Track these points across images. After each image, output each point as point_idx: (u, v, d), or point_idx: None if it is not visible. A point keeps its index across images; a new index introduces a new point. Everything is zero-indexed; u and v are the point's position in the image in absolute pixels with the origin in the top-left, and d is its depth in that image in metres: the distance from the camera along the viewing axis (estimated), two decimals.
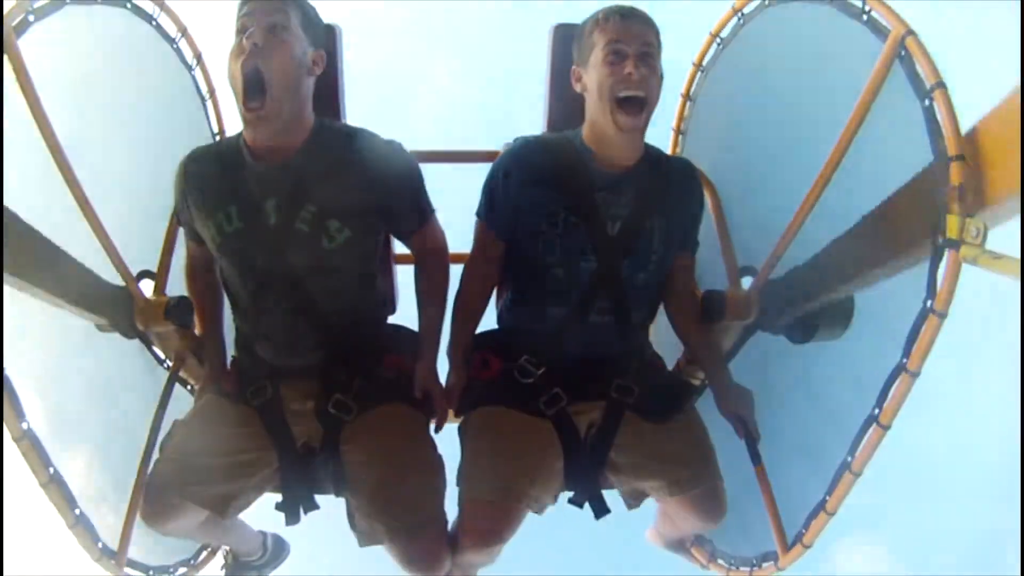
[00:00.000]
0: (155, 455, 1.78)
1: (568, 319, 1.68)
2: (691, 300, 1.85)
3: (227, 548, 2.15)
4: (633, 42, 1.55)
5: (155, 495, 1.56)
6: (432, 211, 1.75)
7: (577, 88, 1.66)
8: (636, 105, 1.56)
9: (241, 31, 1.50)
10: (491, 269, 1.79)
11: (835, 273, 1.62)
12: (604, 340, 1.71)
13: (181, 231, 1.86)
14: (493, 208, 1.70)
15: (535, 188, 1.64)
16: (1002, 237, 1.22)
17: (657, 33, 1.60)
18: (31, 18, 1.42)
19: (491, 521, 1.54)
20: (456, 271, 1.84)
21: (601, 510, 1.66)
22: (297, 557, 2.31)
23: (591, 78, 1.60)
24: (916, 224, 1.32)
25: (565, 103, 1.92)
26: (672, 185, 1.69)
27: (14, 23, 1.35)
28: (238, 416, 1.66)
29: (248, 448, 1.64)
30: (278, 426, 1.66)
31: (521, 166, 1.66)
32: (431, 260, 1.78)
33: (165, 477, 1.56)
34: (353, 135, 1.63)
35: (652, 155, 1.71)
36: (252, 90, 1.47)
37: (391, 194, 1.63)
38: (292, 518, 1.67)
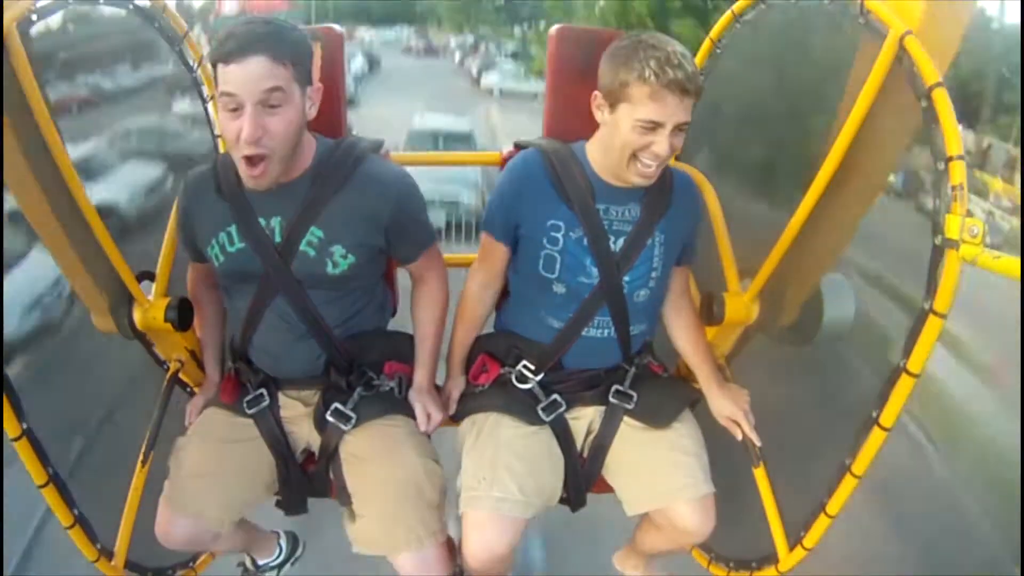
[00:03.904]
0: (152, 457, 1.79)
1: (566, 332, 1.68)
2: (684, 306, 1.84)
3: (244, 555, 2.16)
4: (671, 119, 1.44)
5: (173, 523, 1.57)
6: (432, 237, 1.74)
7: (596, 115, 1.57)
8: (655, 168, 1.52)
9: (231, 107, 1.39)
10: (496, 280, 1.78)
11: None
12: (603, 352, 1.71)
13: None
14: (497, 222, 1.69)
15: (538, 200, 1.63)
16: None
17: (699, 96, 1.47)
18: (33, 18, 1.42)
19: (491, 532, 1.53)
20: (457, 275, 1.84)
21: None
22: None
23: (615, 128, 1.51)
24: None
25: (565, 106, 1.92)
26: (675, 200, 1.68)
27: (17, 22, 1.36)
28: (237, 428, 1.67)
29: (250, 460, 1.65)
30: (275, 435, 1.67)
31: (526, 177, 1.65)
32: (429, 286, 1.78)
33: (178, 503, 1.57)
34: (360, 159, 1.61)
35: None
36: (256, 164, 1.45)
37: (395, 224, 1.62)
38: (292, 515, 1.70)
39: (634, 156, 1.51)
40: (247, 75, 1.35)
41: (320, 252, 1.57)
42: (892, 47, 1.36)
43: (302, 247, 1.56)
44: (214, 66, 1.39)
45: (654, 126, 1.46)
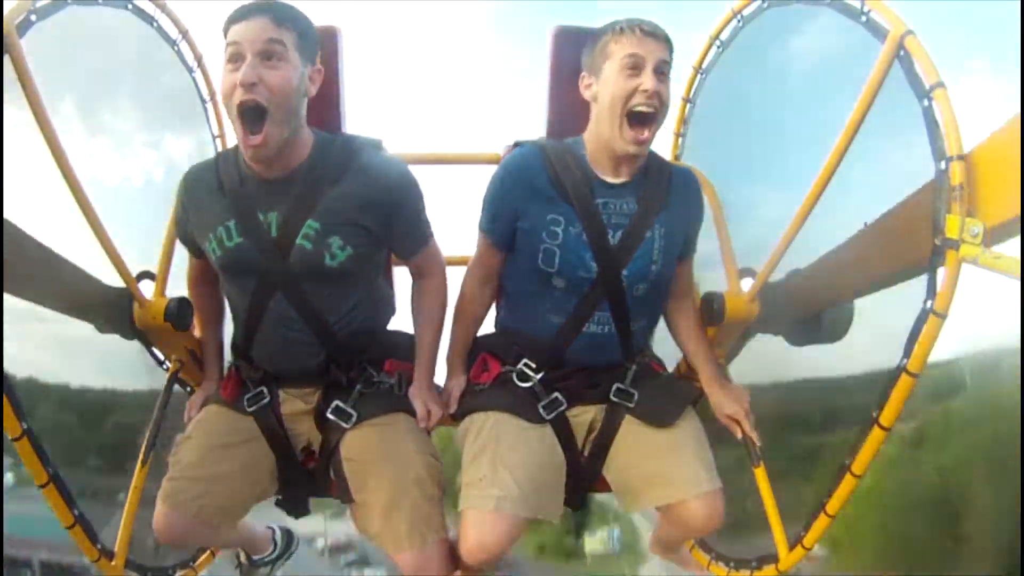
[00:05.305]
0: (152, 458, 1.78)
1: (567, 328, 1.68)
2: (687, 304, 1.85)
3: (239, 549, 2.16)
4: (651, 56, 1.53)
5: (171, 519, 1.56)
6: (431, 233, 1.75)
7: (586, 95, 1.64)
8: (646, 121, 1.55)
9: (234, 58, 1.44)
10: (492, 278, 1.79)
11: (834, 284, 1.61)
12: (604, 348, 1.70)
13: None
14: (494, 218, 1.70)
15: (535, 196, 1.63)
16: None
17: (672, 52, 1.58)
18: (33, 17, 1.42)
19: (490, 531, 1.52)
20: (457, 274, 1.84)
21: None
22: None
23: (603, 88, 1.57)
24: (916, 241, 1.32)
25: (566, 107, 1.92)
26: (673, 194, 1.68)
27: (16, 22, 1.36)
28: (238, 426, 1.66)
29: (250, 458, 1.64)
30: (276, 433, 1.67)
31: (520, 175, 1.66)
32: (429, 283, 1.79)
33: (177, 501, 1.56)
34: (357, 152, 1.61)
35: (654, 163, 1.70)
36: (252, 124, 1.45)
37: (393, 216, 1.62)
38: (293, 514, 1.70)
39: (627, 115, 1.54)
40: (250, 28, 1.42)
41: (317, 244, 1.56)
42: (892, 47, 1.36)
43: (299, 241, 1.56)
44: (225, 32, 1.44)
45: (636, 65, 1.53)
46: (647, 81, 1.52)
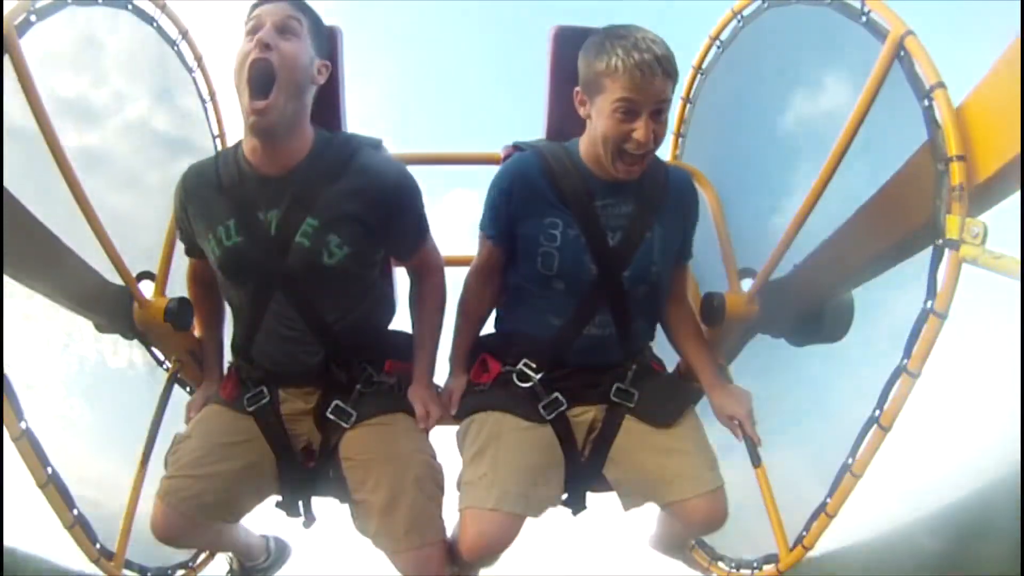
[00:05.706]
0: (153, 459, 1.78)
1: (568, 330, 1.68)
2: (684, 307, 1.84)
3: (231, 555, 2.15)
4: (648, 101, 1.45)
5: (168, 517, 1.55)
6: (429, 233, 1.75)
7: (580, 112, 1.61)
8: (639, 159, 1.54)
9: (253, 31, 1.49)
10: (494, 278, 1.79)
11: (836, 270, 1.61)
12: (604, 349, 1.70)
13: None
14: (494, 221, 1.70)
15: (534, 200, 1.63)
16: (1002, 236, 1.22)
17: (675, 80, 1.50)
18: (33, 18, 1.42)
19: (490, 529, 1.53)
20: (458, 275, 1.84)
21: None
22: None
23: (597, 118, 1.54)
24: (911, 209, 1.32)
25: (565, 107, 1.91)
26: (671, 195, 1.68)
27: (16, 22, 1.36)
28: (237, 425, 1.66)
29: (250, 457, 1.63)
30: (276, 432, 1.66)
31: (519, 179, 1.65)
32: (427, 282, 1.79)
33: (175, 499, 1.55)
34: (357, 151, 1.62)
35: (651, 164, 1.68)
36: (259, 86, 1.46)
37: (392, 215, 1.62)
38: (293, 516, 1.70)
39: (619, 151, 1.52)
40: (272, 6, 1.51)
41: (315, 242, 1.56)
42: (892, 47, 1.36)
43: (297, 238, 1.55)
44: (248, 20, 1.52)
45: (631, 111, 1.47)
46: (640, 130, 1.47)
